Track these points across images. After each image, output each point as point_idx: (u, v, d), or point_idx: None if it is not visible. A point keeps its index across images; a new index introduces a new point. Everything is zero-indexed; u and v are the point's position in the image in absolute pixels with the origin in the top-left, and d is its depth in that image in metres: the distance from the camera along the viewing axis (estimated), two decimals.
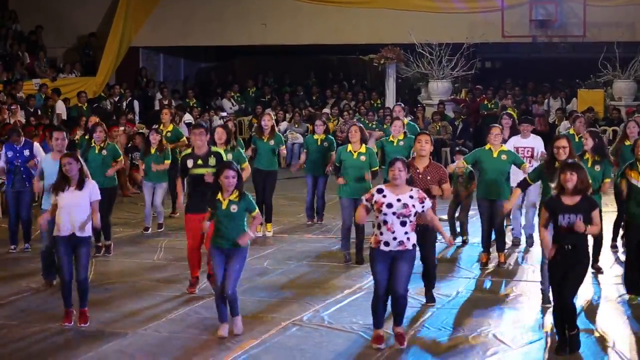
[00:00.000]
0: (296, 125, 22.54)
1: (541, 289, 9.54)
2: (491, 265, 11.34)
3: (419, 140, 9.58)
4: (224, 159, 9.95)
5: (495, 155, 11.17)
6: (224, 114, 23.22)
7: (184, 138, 14.91)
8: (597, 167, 10.43)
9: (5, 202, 15.56)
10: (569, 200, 7.83)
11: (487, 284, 10.66)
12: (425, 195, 8.15)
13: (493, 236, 11.40)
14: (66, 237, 8.77)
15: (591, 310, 9.41)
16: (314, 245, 12.78)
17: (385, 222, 7.95)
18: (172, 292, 10.19)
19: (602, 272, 10.91)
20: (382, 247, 7.99)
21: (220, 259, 8.46)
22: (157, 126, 14.72)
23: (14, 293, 10.21)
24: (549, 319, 9.02)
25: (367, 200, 8.10)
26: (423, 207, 8.03)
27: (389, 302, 8.27)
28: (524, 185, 9.98)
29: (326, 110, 23.60)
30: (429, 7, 23.26)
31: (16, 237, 12.43)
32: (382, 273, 8.04)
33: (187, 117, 21.30)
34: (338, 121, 22.30)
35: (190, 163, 9.92)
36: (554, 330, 8.44)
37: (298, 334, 8.68)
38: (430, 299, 9.66)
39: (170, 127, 14.76)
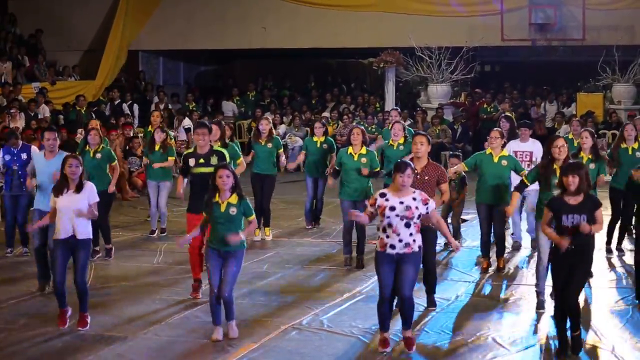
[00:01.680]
0: (296, 129, 22.55)
1: (536, 291, 9.52)
2: (491, 269, 11.32)
3: (415, 142, 9.56)
4: (227, 158, 9.92)
5: (495, 160, 11.16)
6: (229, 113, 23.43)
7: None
8: (592, 165, 10.56)
9: (3, 206, 15.61)
10: (572, 200, 7.85)
11: (487, 288, 10.65)
12: (429, 197, 8.14)
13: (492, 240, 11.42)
14: (65, 240, 8.77)
15: (588, 314, 9.37)
16: (313, 249, 12.77)
17: (390, 225, 7.92)
18: (172, 296, 10.19)
19: (592, 276, 10.70)
20: (389, 250, 7.95)
21: (217, 262, 8.45)
22: (146, 128, 14.63)
23: (12, 297, 10.19)
24: (547, 323, 9.03)
25: (371, 205, 8.10)
26: (427, 208, 8.00)
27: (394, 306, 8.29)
28: (521, 187, 9.96)
29: (326, 113, 23.60)
30: (428, 10, 23.28)
31: (13, 241, 12.42)
32: (388, 275, 8.00)
33: (187, 122, 21.28)
34: (337, 125, 22.30)
35: (192, 162, 9.90)
36: (554, 333, 8.45)
37: (297, 337, 8.67)
38: (431, 302, 9.63)
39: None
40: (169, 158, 13.66)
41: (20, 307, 9.81)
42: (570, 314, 7.95)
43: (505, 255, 11.48)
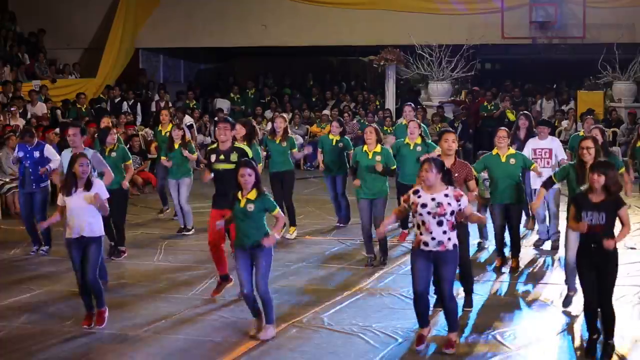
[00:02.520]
0: (296, 127, 22.55)
1: (567, 287, 9.45)
2: (503, 268, 11.27)
3: (446, 140, 9.40)
4: (248, 155, 9.85)
5: (503, 160, 11.07)
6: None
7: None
8: None
9: (5, 204, 15.61)
10: (595, 198, 7.80)
11: (490, 286, 10.63)
12: (462, 193, 8.02)
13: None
14: (76, 238, 8.77)
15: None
16: (314, 247, 12.76)
17: (423, 223, 7.88)
18: (172, 294, 10.18)
19: None
20: (422, 247, 7.90)
21: (245, 262, 8.38)
22: (156, 127, 14.69)
23: (12, 296, 10.18)
24: (551, 321, 9.04)
25: (404, 201, 8.05)
26: (460, 204, 7.90)
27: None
28: (548, 184, 9.85)
29: (326, 111, 23.60)
30: (428, 8, 23.26)
31: (37, 237, 12.36)
32: (420, 269, 7.92)
33: (188, 119, 21.28)
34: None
35: (213, 158, 9.87)
36: (556, 331, 8.45)
37: (298, 335, 8.67)
38: (468, 303, 9.47)
39: (170, 127, 14.61)
40: (192, 155, 13.69)
41: (21, 308, 9.78)
42: (604, 320, 7.89)
43: (518, 255, 11.35)
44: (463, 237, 9.11)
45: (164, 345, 8.41)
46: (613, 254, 7.82)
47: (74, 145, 10.45)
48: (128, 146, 18.00)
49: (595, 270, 7.81)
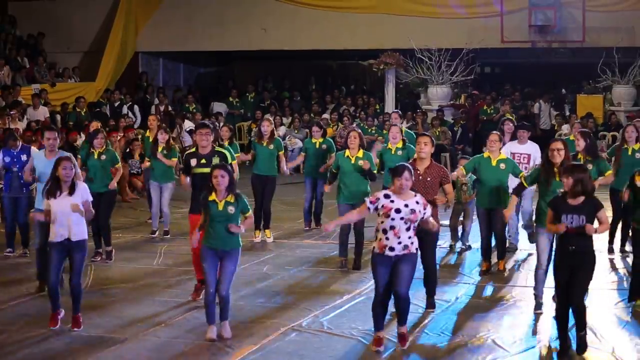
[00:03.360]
0: (296, 131, 22.54)
1: (534, 294, 9.53)
2: (491, 271, 11.31)
3: (419, 142, 9.57)
4: (228, 159, 9.91)
5: (494, 164, 11.07)
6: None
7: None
8: (590, 166, 10.52)
9: (2, 208, 15.60)
10: (573, 201, 7.89)
11: (487, 290, 10.64)
12: (427, 202, 8.21)
13: (492, 243, 11.41)
14: (60, 242, 8.76)
15: (588, 316, 9.34)
16: (313, 251, 12.76)
17: (392, 227, 8.00)
18: (172, 298, 10.18)
19: None
20: (387, 252, 8.03)
21: (213, 262, 8.46)
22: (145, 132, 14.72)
23: (12, 298, 10.20)
24: (547, 324, 9.03)
25: (371, 202, 8.11)
26: (425, 213, 8.11)
27: (389, 306, 8.33)
28: (519, 189, 9.99)
29: (326, 115, 23.59)
30: (428, 12, 23.29)
31: (13, 241, 12.39)
32: (383, 275, 8.10)
33: (188, 124, 21.27)
34: (337, 127, 22.31)
35: (193, 162, 9.88)
36: (553, 335, 8.45)
37: (297, 339, 8.67)
38: (430, 304, 9.62)
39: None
40: (172, 159, 13.68)
41: (21, 308, 9.80)
42: (576, 314, 7.97)
43: (504, 258, 11.46)
44: (430, 243, 9.35)
45: (164, 348, 8.41)
46: (590, 256, 7.94)
47: (51, 149, 10.41)
48: (128, 150, 18.03)
49: (570, 271, 7.87)
